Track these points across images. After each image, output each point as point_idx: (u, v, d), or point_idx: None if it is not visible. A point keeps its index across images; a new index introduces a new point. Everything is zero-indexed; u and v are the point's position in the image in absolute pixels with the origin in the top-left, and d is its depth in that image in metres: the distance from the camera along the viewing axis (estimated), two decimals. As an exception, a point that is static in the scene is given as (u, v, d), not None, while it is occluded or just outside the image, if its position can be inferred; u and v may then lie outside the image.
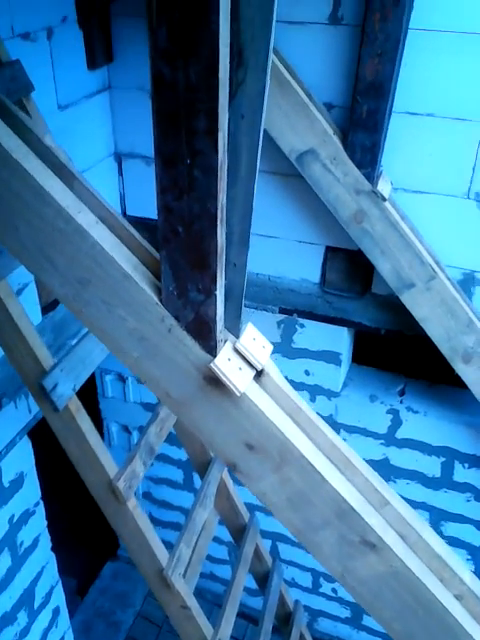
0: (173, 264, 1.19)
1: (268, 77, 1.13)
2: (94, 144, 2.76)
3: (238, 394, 1.24)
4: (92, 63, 2.63)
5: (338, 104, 2.52)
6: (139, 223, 3.01)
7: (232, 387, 1.24)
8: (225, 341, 1.29)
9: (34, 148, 1.29)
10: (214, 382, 1.27)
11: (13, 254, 1.33)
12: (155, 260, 1.28)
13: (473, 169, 2.48)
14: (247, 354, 1.28)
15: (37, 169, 1.24)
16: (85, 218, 1.24)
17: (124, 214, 3.05)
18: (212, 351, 1.26)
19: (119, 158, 2.92)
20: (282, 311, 2.99)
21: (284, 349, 3.16)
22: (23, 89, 1.95)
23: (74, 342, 1.92)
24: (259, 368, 1.30)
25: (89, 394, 3.62)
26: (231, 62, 1.11)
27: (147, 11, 1.04)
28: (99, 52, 2.66)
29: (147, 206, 2.92)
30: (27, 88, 1.96)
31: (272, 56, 2.30)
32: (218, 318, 1.23)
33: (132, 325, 1.29)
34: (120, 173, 2.95)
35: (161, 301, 1.24)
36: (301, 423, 1.38)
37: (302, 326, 3.05)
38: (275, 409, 1.33)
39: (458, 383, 2.72)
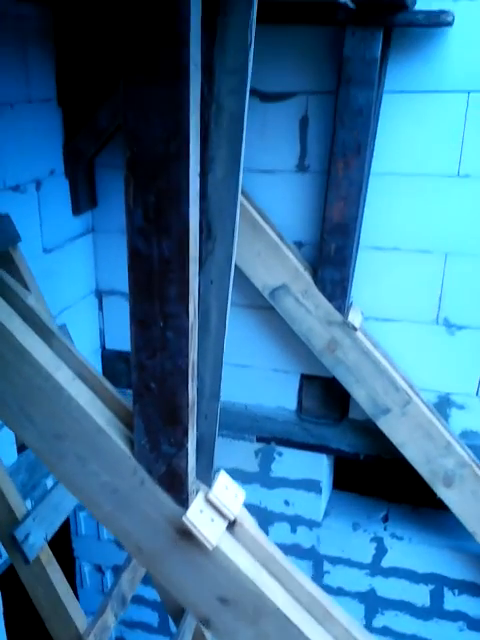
0: (146, 418, 1.24)
1: (235, 247, 1.25)
2: (77, 283, 2.89)
3: (210, 548, 1.23)
4: (77, 209, 2.83)
5: (308, 242, 2.71)
6: (118, 356, 3.10)
7: (204, 540, 1.24)
8: (197, 491, 1.30)
9: (17, 308, 1.37)
10: (186, 535, 1.27)
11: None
12: (129, 413, 1.32)
13: (439, 297, 2.64)
14: (219, 505, 1.29)
15: (19, 329, 1.32)
16: (63, 375, 1.30)
17: (103, 348, 3.14)
18: (184, 503, 1.27)
19: (100, 295, 3.05)
20: (259, 439, 3.00)
21: (262, 479, 3.13)
22: (10, 240, 2.07)
23: (48, 482, 1.91)
24: (232, 518, 1.30)
25: (61, 531, 3.49)
26: (201, 234, 1.23)
27: (125, 193, 1.16)
28: (84, 199, 2.86)
29: (126, 340, 2.99)
30: (14, 239, 2.09)
31: (244, 201, 2.51)
32: (190, 470, 1.25)
33: (105, 478, 1.30)
34: (100, 309, 3.07)
35: (134, 454, 1.27)
36: (276, 573, 1.36)
37: (280, 454, 3.05)
38: (249, 561, 1.32)
39: (441, 505, 2.70)
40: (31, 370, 1.29)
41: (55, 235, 2.70)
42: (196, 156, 1.12)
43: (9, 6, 2.30)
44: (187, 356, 1.17)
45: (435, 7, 2.19)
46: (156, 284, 1.17)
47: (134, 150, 1.12)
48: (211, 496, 1.29)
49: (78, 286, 2.91)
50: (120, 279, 2.92)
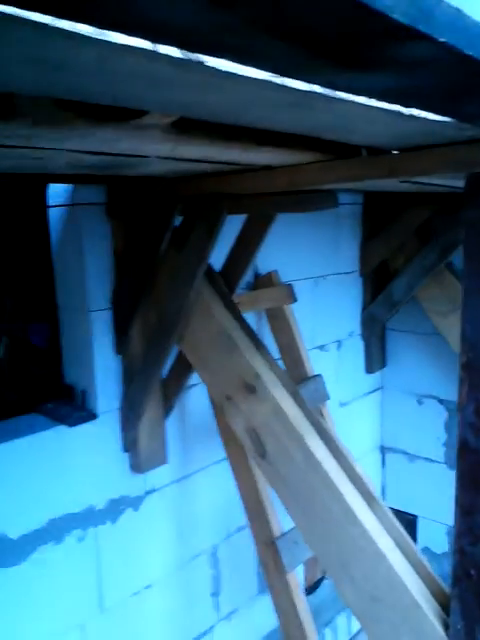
0: (463, 603, 1.30)
1: None
2: (363, 437, 3.11)
3: None
4: (369, 368, 3.11)
5: None
6: (396, 515, 3.14)
7: None
8: None
9: (347, 473, 1.60)
10: None
11: (316, 554, 1.58)
12: (443, 593, 1.40)
13: None
14: None
15: (349, 493, 1.53)
16: (385, 542, 1.45)
17: (383, 504, 3.23)
18: None
19: (383, 451, 3.20)
20: None
21: None
22: (321, 399, 2.39)
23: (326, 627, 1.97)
24: None
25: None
26: None
27: (459, 392, 1.33)
28: (376, 359, 3.14)
29: (405, 499, 3.10)
30: (324, 398, 2.41)
31: None
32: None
33: (415, 652, 1.37)
34: (383, 465, 3.21)
35: (448, 636, 1.33)
36: None
37: None
38: None
39: None
40: (356, 531, 1.48)
41: (349, 390, 3.00)
42: None
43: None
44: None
45: None
46: (485, 477, 1.28)
47: (470, 356, 1.30)
48: None
49: (364, 440, 3.12)
50: (403, 438, 3.06)
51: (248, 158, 1.37)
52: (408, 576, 1.40)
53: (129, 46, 0.56)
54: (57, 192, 1.97)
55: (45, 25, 0.49)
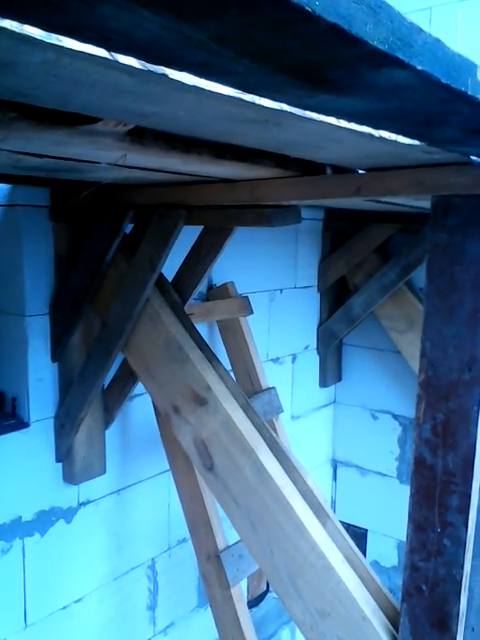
0: (413, 619, 1.31)
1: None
2: (315, 450, 3.12)
3: None
4: (323, 382, 3.14)
5: None
6: (346, 529, 3.16)
7: None
8: None
9: (298, 487, 1.59)
10: None
11: (265, 574, 1.56)
12: (392, 607, 1.41)
13: None
14: None
15: (300, 507, 1.52)
16: (334, 556, 1.45)
17: (331, 517, 3.25)
18: None
19: (335, 464, 3.22)
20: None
21: None
22: (275, 411, 2.39)
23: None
24: None
25: None
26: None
27: (416, 409, 1.35)
28: (330, 374, 3.17)
29: (356, 513, 3.13)
30: (278, 410, 2.40)
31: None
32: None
33: (363, 667, 1.37)
34: (334, 478, 3.23)
35: (395, 654, 1.33)
36: None
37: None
38: None
39: None
40: (306, 545, 1.47)
41: (303, 404, 3.01)
42: (485, 384, 1.28)
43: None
44: (462, 566, 1.25)
45: None
46: (437, 492, 1.29)
47: (429, 374, 1.32)
48: None
49: (316, 453, 3.13)
50: (356, 452, 3.09)
51: (207, 171, 1.34)
52: (357, 590, 1.41)
53: (83, 53, 0.53)
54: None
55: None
